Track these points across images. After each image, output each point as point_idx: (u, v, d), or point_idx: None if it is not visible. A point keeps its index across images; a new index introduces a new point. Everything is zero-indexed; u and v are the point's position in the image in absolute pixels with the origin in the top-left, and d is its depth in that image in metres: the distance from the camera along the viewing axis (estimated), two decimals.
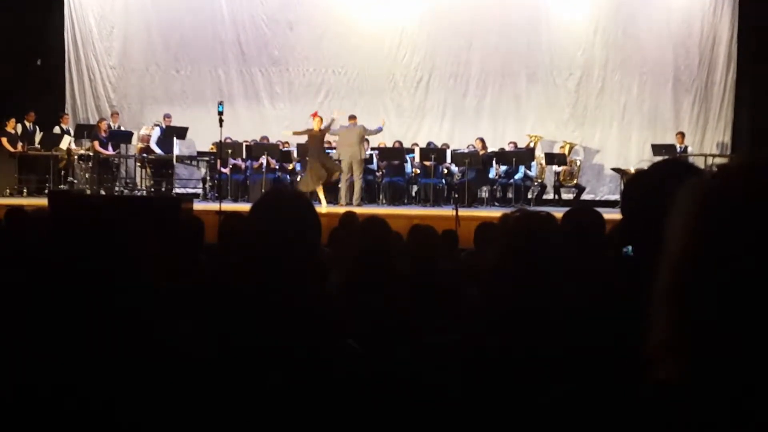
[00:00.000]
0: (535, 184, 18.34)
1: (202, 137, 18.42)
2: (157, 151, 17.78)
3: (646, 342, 1.09)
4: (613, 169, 18.46)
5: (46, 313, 1.77)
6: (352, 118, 16.66)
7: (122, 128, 18.61)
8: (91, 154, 17.47)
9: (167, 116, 18.22)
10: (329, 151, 17.35)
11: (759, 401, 1.01)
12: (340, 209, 12.81)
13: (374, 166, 17.67)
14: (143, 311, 1.84)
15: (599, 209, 4.66)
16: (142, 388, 1.76)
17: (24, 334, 1.79)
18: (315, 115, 15.94)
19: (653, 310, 1.09)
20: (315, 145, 15.66)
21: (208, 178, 18.53)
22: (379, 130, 16.62)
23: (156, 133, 17.93)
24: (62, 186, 17.29)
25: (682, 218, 1.08)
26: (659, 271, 1.10)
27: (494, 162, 17.69)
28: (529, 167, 17.87)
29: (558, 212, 4.11)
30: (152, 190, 17.86)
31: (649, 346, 1.09)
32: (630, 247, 2.29)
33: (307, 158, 15.86)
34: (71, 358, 1.74)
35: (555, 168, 18.41)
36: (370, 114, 18.22)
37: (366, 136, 16.55)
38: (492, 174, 17.75)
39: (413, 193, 18.29)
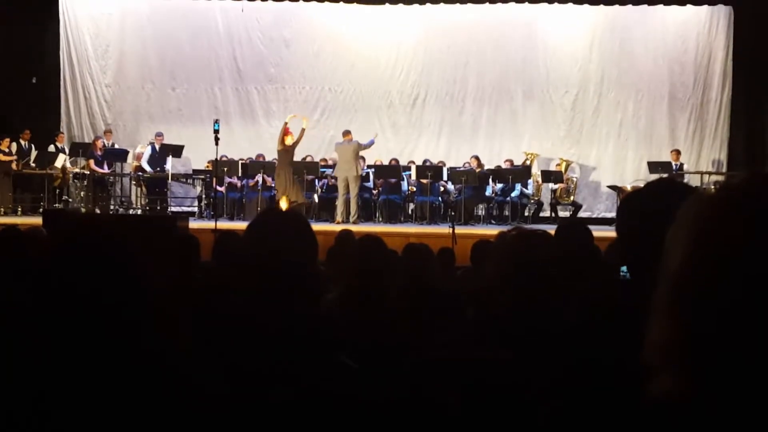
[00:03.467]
0: (532, 201, 18.32)
1: (198, 155, 18.38)
2: (148, 169, 17.80)
3: (644, 356, 1.09)
4: (610, 187, 18.49)
5: (45, 333, 1.77)
6: (347, 133, 16.63)
7: (116, 146, 18.58)
8: (86, 172, 17.43)
9: (159, 135, 18.19)
10: (326, 170, 17.41)
11: (760, 416, 0.99)
12: (337, 227, 12.80)
13: (370, 183, 17.65)
14: (143, 329, 1.83)
15: (596, 227, 4.68)
16: (141, 403, 1.76)
17: (24, 352, 1.78)
18: (288, 131, 15.94)
19: (651, 323, 1.09)
20: (286, 159, 15.85)
21: (203, 196, 18.51)
22: (371, 143, 16.64)
23: (148, 151, 17.92)
24: (57, 205, 17.25)
25: (683, 231, 1.08)
26: (657, 284, 1.10)
27: (491, 180, 17.67)
28: (525, 185, 17.86)
29: (554, 230, 4.11)
30: (147, 208, 17.83)
31: (646, 360, 1.08)
32: (625, 267, 2.29)
33: (277, 172, 16.02)
34: (70, 375, 1.73)
35: (551, 186, 18.40)
36: (366, 131, 18.26)
37: (361, 152, 16.54)
38: (488, 192, 17.73)
39: (410, 211, 18.26)
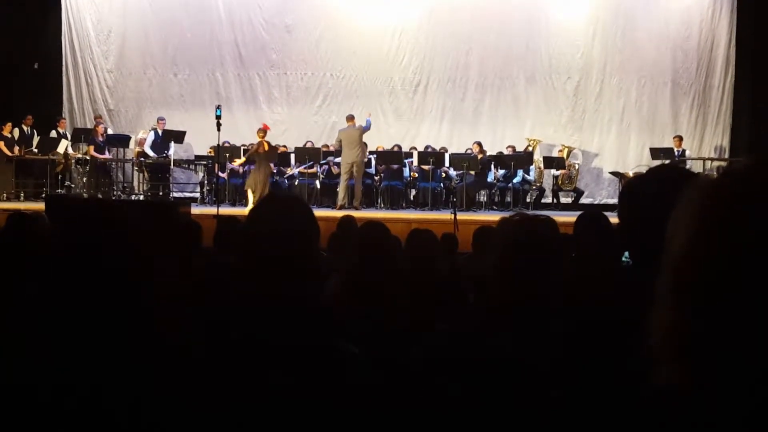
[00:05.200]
0: (534, 188, 18.32)
1: (200, 141, 18.40)
2: (151, 154, 17.80)
3: (648, 344, 1.09)
4: (612, 173, 18.49)
5: (48, 321, 1.77)
6: (351, 118, 16.58)
7: (109, 132, 18.55)
8: (88, 158, 17.43)
9: (161, 120, 18.19)
10: (330, 159, 17.42)
11: (760, 405, 0.99)
12: (338, 213, 12.80)
13: (372, 170, 17.64)
14: (145, 316, 1.83)
15: None
16: (146, 386, 1.76)
17: (33, 336, 1.79)
18: (266, 127, 15.97)
19: (654, 311, 1.09)
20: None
21: (205, 182, 18.51)
22: (369, 125, 16.54)
23: (150, 137, 17.92)
24: (59, 190, 17.27)
25: (685, 218, 1.08)
26: (660, 272, 1.10)
27: (493, 166, 17.67)
28: (527, 171, 17.87)
29: (557, 216, 4.11)
30: (150, 194, 17.83)
31: (650, 348, 1.08)
32: (627, 253, 2.29)
33: (257, 164, 16.08)
34: (72, 364, 1.74)
35: (553, 172, 18.40)
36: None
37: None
38: (490, 178, 17.72)
39: (411, 197, 18.27)
